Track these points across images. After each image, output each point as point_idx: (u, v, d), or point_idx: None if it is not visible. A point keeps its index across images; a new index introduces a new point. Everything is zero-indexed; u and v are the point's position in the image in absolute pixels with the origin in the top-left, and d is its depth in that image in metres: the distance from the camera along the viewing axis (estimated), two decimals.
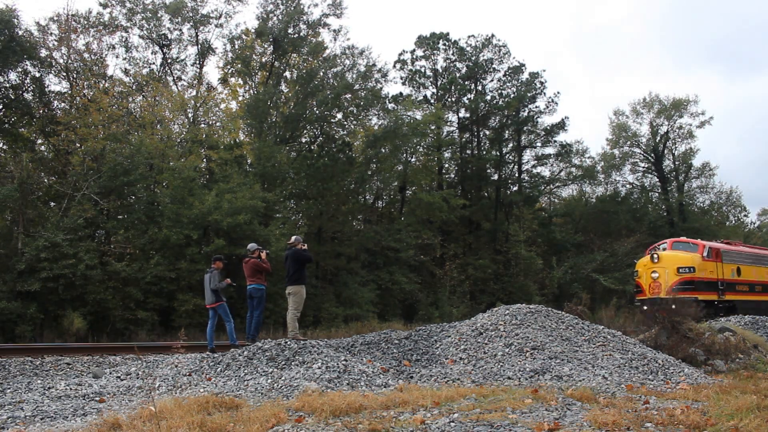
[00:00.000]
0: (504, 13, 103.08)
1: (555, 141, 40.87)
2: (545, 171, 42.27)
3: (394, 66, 39.20)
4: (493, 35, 40.11)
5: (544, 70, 48.33)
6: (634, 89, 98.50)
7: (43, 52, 25.06)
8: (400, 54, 39.72)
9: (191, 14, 29.11)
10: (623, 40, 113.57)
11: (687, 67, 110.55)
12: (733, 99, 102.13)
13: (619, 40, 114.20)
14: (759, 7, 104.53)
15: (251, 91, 31.32)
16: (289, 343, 9.80)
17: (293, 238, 12.03)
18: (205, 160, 28.09)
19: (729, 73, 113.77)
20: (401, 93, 38.10)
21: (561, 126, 40.45)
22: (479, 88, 40.28)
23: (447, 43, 39.55)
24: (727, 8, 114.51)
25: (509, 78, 40.11)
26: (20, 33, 23.39)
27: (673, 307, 13.29)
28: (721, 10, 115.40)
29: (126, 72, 28.93)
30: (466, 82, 39.93)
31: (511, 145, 41.25)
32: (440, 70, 39.89)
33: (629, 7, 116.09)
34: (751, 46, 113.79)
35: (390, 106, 34.06)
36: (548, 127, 40.53)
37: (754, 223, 60.68)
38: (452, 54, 39.74)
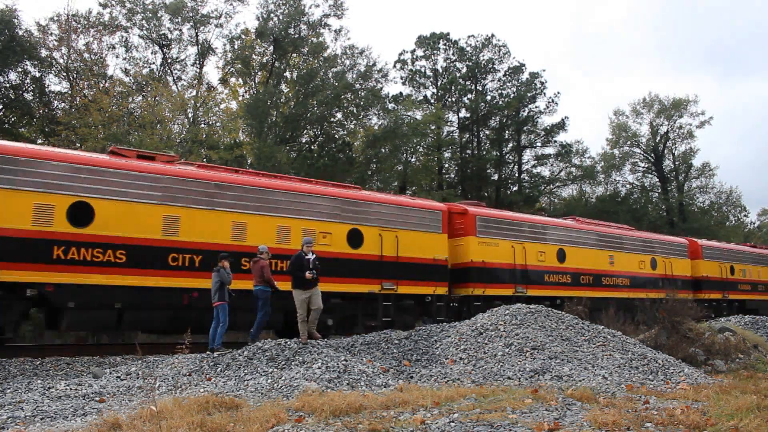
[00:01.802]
0: (503, 16, 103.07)
1: (555, 141, 40.93)
2: (545, 171, 42.33)
3: (394, 66, 39.33)
4: (493, 35, 40.19)
5: (544, 70, 48.42)
6: (632, 91, 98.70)
7: (43, 52, 25.08)
8: (401, 54, 39.83)
9: (191, 14, 29.12)
10: (621, 44, 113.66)
11: (683, 71, 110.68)
12: (730, 101, 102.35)
13: (617, 43, 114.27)
14: (751, 13, 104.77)
15: (251, 91, 31.33)
16: (289, 343, 9.80)
17: (304, 239, 11.22)
18: (205, 160, 28.07)
19: (724, 77, 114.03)
20: (401, 93, 38.16)
21: (561, 126, 40.50)
22: (479, 88, 40.30)
23: (447, 43, 39.58)
24: (720, 13, 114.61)
25: (509, 78, 40.15)
26: (20, 33, 23.41)
27: None
28: (715, 15, 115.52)
29: (126, 72, 28.98)
30: (467, 82, 39.94)
31: (511, 145, 41.26)
32: (440, 70, 39.92)
33: (627, 11, 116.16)
34: (744, 51, 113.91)
35: (390, 106, 34.08)
36: (548, 127, 40.58)
37: (754, 223, 60.73)
38: (452, 54, 39.79)
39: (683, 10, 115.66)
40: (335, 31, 31.87)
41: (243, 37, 30.45)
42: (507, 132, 40.86)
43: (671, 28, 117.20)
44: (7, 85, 24.34)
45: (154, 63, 29.79)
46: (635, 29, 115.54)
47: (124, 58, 29.10)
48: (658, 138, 45.92)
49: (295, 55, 31.23)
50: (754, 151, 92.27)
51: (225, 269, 11.23)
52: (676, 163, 46.94)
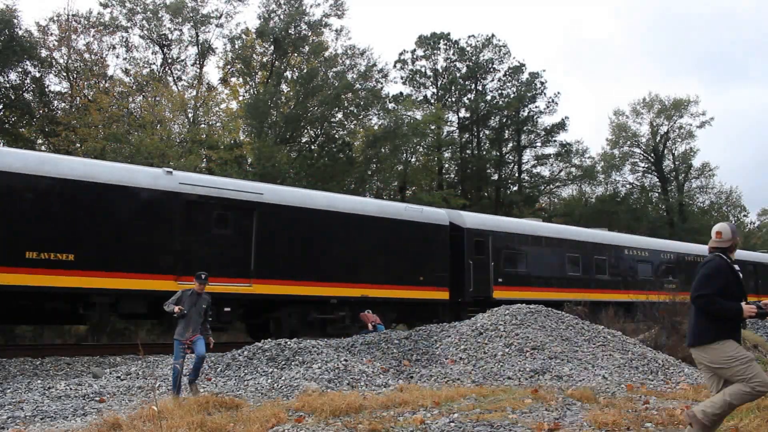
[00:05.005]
0: (503, 18, 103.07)
1: (555, 141, 40.97)
2: (545, 171, 42.37)
3: (395, 66, 39.32)
4: (493, 35, 40.22)
5: (544, 70, 48.49)
6: (625, 95, 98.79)
7: (43, 52, 25.09)
8: (401, 54, 39.84)
9: (192, 14, 29.12)
10: (614, 50, 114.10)
11: (675, 76, 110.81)
12: (722, 104, 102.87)
13: (610, 50, 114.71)
14: (740, 21, 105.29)
15: (252, 90, 31.34)
16: (288, 343, 9.80)
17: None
18: (205, 160, 28.08)
19: (717, 81, 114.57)
20: (401, 93, 38.17)
21: (561, 126, 40.53)
22: (479, 88, 40.32)
23: (447, 43, 39.59)
24: (708, 22, 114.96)
25: (509, 78, 40.17)
26: (20, 33, 23.41)
27: None
28: (702, 24, 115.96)
29: (126, 72, 28.97)
30: (467, 82, 39.96)
31: (511, 145, 41.30)
32: (440, 70, 39.93)
33: (618, 17, 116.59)
34: (733, 57, 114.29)
35: (390, 106, 34.07)
36: (548, 127, 40.62)
37: (754, 223, 60.73)
38: (453, 54, 39.80)
39: (672, 19, 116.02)
40: (336, 30, 31.92)
41: (243, 37, 30.47)
42: (507, 132, 40.90)
43: (661, 36, 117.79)
44: (7, 85, 24.35)
45: (154, 63, 29.83)
46: (627, 37, 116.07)
47: (125, 58, 29.12)
48: (658, 138, 45.93)
49: (295, 54, 31.25)
50: (744, 156, 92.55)
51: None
52: (676, 163, 46.95)
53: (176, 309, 7.72)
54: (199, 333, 7.87)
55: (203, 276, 8.00)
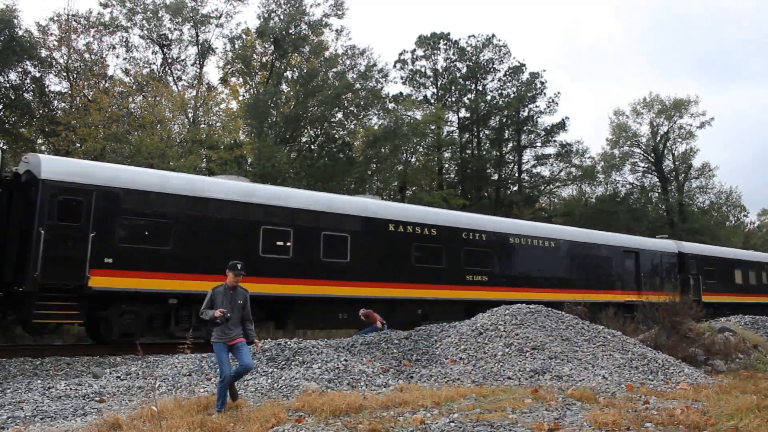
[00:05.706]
0: (503, 18, 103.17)
1: (555, 141, 40.98)
2: (545, 171, 42.38)
3: (395, 66, 39.37)
4: (493, 35, 40.25)
5: (544, 70, 48.47)
6: (624, 96, 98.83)
7: (43, 52, 25.09)
8: (401, 54, 39.87)
9: (191, 14, 29.13)
10: (613, 53, 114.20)
11: (671, 78, 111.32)
12: (719, 105, 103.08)
13: (608, 52, 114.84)
14: (737, 23, 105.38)
15: (252, 90, 31.34)
16: (288, 343, 9.81)
17: None
18: (205, 160, 28.08)
19: (716, 83, 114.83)
20: (401, 93, 38.20)
21: (561, 126, 40.54)
22: (479, 88, 40.35)
23: (447, 43, 39.63)
24: (704, 23, 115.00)
25: (509, 78, 40.19)
26: (20, 33, 23.41)
27: None
28: (699, 25, 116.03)
29: (126, 72, 28.97)
30: (467, 82, 39.98)
31: (511, 145, 41.31)
32: (440, 70, 39.97)
33: (616, 17, 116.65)
34: (730, 59, 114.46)
35: (390, 105, 34.08)
36: (548, 127, 40.64)
37: (754, 223, 60.76)
38: (453, 54, 39.83)
39: (671, 19, 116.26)
40: (336, 31, 31.93)
41: (243, 36, 30.47)
42: (507, 132, 40.92)
43: (660, 36, 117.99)
44: (7, 85, 24.34)
45: (154, 63, 29.84)
46: (627, 37, 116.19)
47: (125, 58, 29.13)
48: (658, 138, 45.93)
49: (295, 54, 31.25)
50: (750, 153, 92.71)
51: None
52: (676, 163, 46.95)
53: (217, 313, 6.59)
54: (241, 334, 6.89)
55: (239, 266, 6.88)
